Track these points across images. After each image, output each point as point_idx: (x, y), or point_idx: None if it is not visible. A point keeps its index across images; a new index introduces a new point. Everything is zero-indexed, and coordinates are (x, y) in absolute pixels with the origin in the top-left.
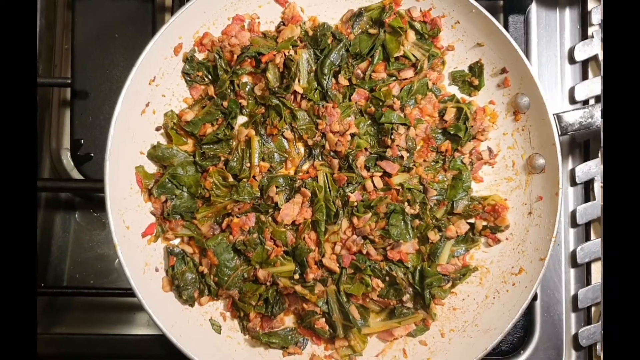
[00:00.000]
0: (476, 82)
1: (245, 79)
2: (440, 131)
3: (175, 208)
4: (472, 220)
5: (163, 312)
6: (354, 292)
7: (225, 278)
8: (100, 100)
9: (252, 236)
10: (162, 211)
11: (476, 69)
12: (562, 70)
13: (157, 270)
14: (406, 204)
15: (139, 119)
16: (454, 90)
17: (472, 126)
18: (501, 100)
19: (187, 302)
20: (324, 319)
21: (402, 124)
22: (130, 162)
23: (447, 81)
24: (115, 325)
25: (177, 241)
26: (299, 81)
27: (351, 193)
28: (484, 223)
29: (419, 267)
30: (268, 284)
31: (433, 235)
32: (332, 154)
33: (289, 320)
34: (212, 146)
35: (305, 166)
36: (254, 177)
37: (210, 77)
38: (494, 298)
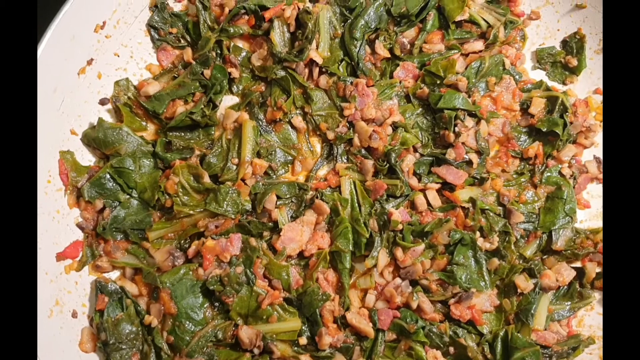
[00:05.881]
0: (574, 63)
1: (239, 44)
2: (524, 130)
3: (116, 221)
4: (578, 264)
5: None
6: None
7: (187, 338)
8: None
9: (234, 270)
10: (95, 224)
11: (573, 44)
12: None
13: (74, 315)
14: (478, 233)
15: (75, 81)
16: (539, 76)
17: (571, 123)
18: None
19: None
20: None
21: (470, 113)
22: (52, 143)
23: (530, 63)
24: None
25: (115, 274)
26: (317, 46)
27: (394, 209)
28: (598, 269)
29: (501, 334)
30: (256, 351)
31: (522, 282)
32: (363, 152)
33: None
34: (182, 134)
35: (323, 171)
36: (243, 180)
37: (189, 37)
38: None
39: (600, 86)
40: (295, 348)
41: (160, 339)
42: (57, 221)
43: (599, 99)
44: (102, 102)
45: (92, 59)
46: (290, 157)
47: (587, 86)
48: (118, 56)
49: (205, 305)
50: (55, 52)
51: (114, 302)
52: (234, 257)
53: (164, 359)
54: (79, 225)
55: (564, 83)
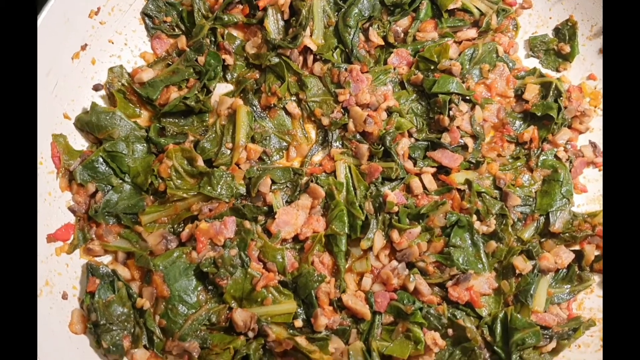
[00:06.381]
0: (566, 50)
1: (234, 33)
2: (519, 115)
3: (108, 205)
4: (576, 247)
5: None
6: (395, 353)
7: (180, 321)
8: None
9: (228, 252)
10: (87, 207)
11: (565, 31)
12: None
13: (65, 297)
14: (474, 217)
15: (69, 65)
16: (533, 64)
17: (565, 107)
18: None
19: (110, 354)
20: None
21: (464, 98)
22: (45, 126)
23: (523, 52)
24: None
25: (107, 259)
26: (311, 33)
27: (389, 191)
28: (597, 252)
29: (500, 315)
30: (250, 334)
31: (521, 263)
32: (358, 137)
33: None
34: (176, 120)
35: (318, 157)
36: (237, 164)
37: (183, 26)
38: None
39: (593, 72)
40: (291, 331)
41: (152, 322)
42: (49, 203)
43: (592, 84)
44: (96, 87)
45: (86, 44)
46: (285, 143)
47: (580, 72)
48: (112, 43)
49: (198, 289)
50: (49, 34)
51: (106, 285)
52: (228, 240)
53: (156, 343)
54: (70, 209)
55: (557, 70)
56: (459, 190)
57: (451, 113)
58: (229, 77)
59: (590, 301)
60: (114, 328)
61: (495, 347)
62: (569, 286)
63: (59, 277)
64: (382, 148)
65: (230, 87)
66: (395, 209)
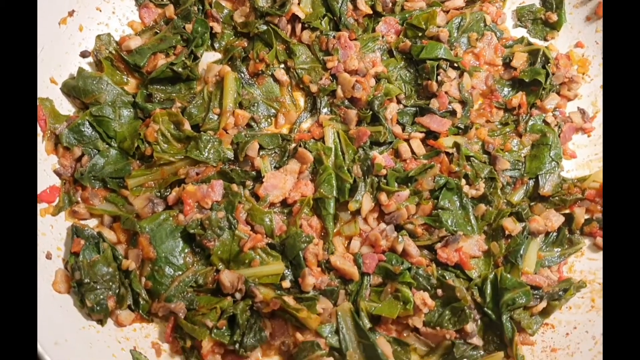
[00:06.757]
0: (554, 19)
1: (222, 2)
2: (508, 82)
3: (94, 169)
4: (567, 211)
5: (46, 321)
6: (384, 312)
7: (166, 283)
8: None
9: (215, 215)
10: (73, 171)
11: (552, 0)
12: None
13: (49, 257)
14: (463, 181)
15: (56, 31)
16: (520, 34)
17: (553, 74)
18: (594, 40)
19: (94, 314)
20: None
21: (452, 64)
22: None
23: (511, 22)
24: None
25: (92, 222)
26: (299, 2)
27: (377, 154)
28: (587, 215)
29: (490, 277)
30: (238, 295)
31: (510, 224)
32: (346, 103)
33: None
34: (164, 87)
35: (306, 124)
36: (225, 130)
37: None
38: None
39: (580, 39)
40: (279, 291)
41: (138, 283)
42: None
43: (580, 52)
44: (83, 54)
45: (73, 11)
46: (273, 110)
47: (567, 40)
48: (100, 11)
49: (185, 251)
50: None
51: (90, 246)
52: (216, 202)
53: (142, 304)
54: (56, 172)
55: (545, 39)
56: (447, 154)
57: (439, 78)
58: (216, 45)
59: (580, 264)
60: (98, 287)
61: (485, 308)
62: (559, 249)
63: (42, 237)
64: (371, 112)
65: (218, 56)
66: (384, 171)
